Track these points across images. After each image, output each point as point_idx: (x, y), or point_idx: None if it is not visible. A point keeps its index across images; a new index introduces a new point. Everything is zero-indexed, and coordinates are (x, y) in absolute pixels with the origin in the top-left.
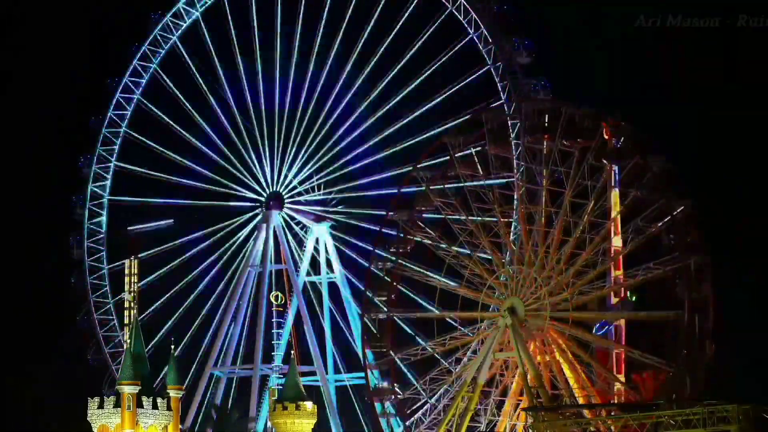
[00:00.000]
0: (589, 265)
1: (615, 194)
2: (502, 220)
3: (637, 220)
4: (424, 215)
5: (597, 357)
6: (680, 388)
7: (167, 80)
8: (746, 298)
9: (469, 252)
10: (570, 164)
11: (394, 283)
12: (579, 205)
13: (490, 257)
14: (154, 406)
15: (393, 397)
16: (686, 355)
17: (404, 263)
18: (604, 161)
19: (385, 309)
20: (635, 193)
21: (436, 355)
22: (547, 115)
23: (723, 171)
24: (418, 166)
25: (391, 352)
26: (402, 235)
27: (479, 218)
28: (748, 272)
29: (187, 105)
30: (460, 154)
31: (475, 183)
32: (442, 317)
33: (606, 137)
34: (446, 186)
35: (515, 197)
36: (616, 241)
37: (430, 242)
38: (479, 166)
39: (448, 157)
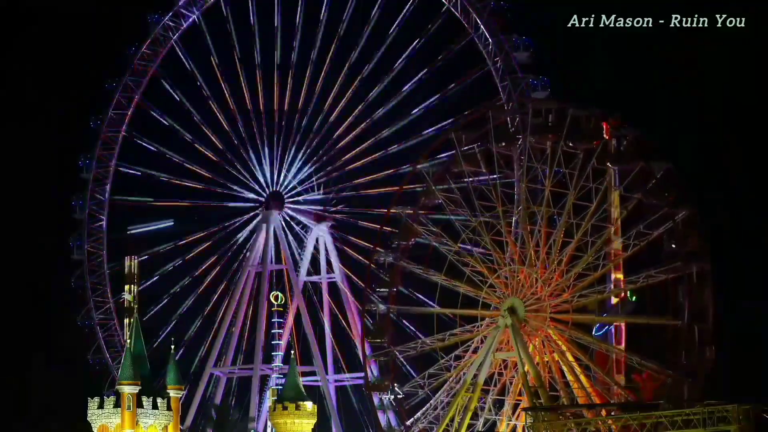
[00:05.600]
0: (590, 267)
1: (616, 197)
2: (504, 218)
3: (639, 225)
4: (426, 211)
5: (596, 359)
6: (679, 394)
7: (167, 80)
8: (747, 300)
9: (470, 249)
10: (574, 166)
11: (395, 279)
12: (581, 207)
13: (491, 256)
14: (154, 406)
15: (392, 394)
16: (685, 362)
17: (404, 261)
18: (608, 164)
19: (385, 304)
20: (638, 198)
21: (434, 354)
22: (551, 116)
23: (725, 176)
24: (421, 161)
25: (390, 347)
26: (404, 229)
27: (482, 217)
28: (748, 275)
29: (187, 105)
30: (464, 150)
31: (479, 179)
32: (441, 313)
33: (606, 137)
34: (450, 184)
35: (516, 196)
36: (617, 245)
37: (432, 237)
38: (483, 164)
39: (450, 155)
